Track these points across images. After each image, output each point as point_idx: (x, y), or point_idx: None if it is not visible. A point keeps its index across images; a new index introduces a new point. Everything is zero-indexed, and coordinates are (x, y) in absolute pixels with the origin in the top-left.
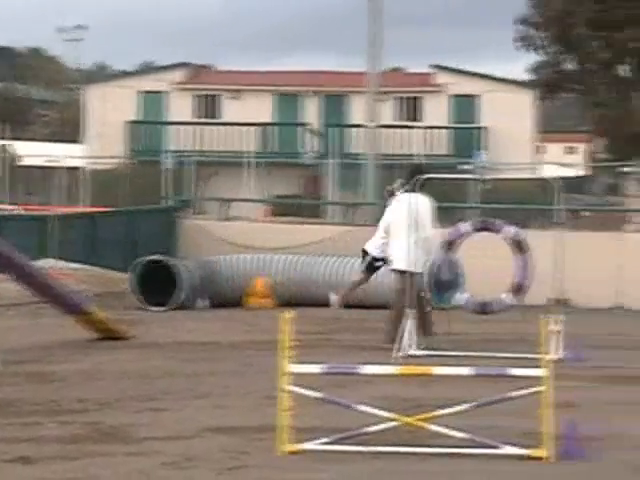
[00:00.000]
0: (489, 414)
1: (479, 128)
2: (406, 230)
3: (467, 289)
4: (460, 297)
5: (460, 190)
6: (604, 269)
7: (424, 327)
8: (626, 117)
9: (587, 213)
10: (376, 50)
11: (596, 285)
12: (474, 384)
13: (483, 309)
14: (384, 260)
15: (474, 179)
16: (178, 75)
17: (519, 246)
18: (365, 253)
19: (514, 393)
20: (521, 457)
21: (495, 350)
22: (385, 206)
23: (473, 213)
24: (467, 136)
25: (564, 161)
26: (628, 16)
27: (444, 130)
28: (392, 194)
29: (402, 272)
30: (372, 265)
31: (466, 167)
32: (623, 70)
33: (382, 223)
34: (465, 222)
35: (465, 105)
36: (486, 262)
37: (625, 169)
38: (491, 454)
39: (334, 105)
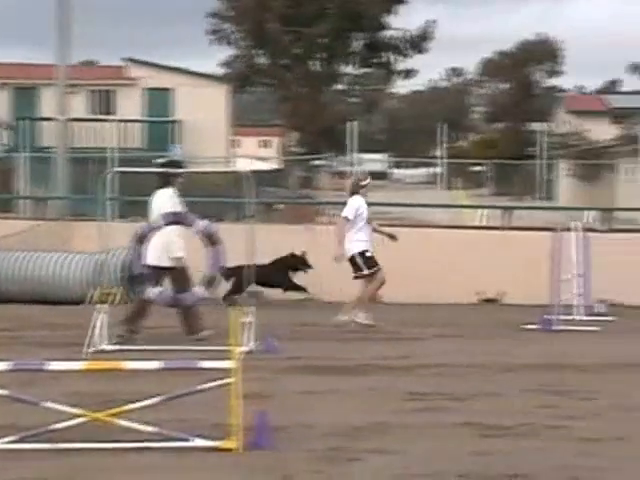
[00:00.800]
0: (179, 407)
1: (173, 122)
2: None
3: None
4: (152, 291)
5: (153, 184)
6: None
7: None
8: (317, 111)
9: (281, 206)
10: (65, 42)
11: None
12: (166, 378)
13: (175, 302)
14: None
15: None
16: None
17: (210, 239)
18: (352, 258)
19: (204, 385)
20: (211, 449)
21: (188, 343)
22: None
23: None
24: (161, 129)
25: (259, 155)
26: (318, 12)
27: (137, 124)
28: (358, 187)
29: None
30: (366, 259)
31: (160, 161)
32: (314, 65)
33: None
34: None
35: (159, 99)
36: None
37: (317, 162)
38: (181, 447)
39: (24, 98)
